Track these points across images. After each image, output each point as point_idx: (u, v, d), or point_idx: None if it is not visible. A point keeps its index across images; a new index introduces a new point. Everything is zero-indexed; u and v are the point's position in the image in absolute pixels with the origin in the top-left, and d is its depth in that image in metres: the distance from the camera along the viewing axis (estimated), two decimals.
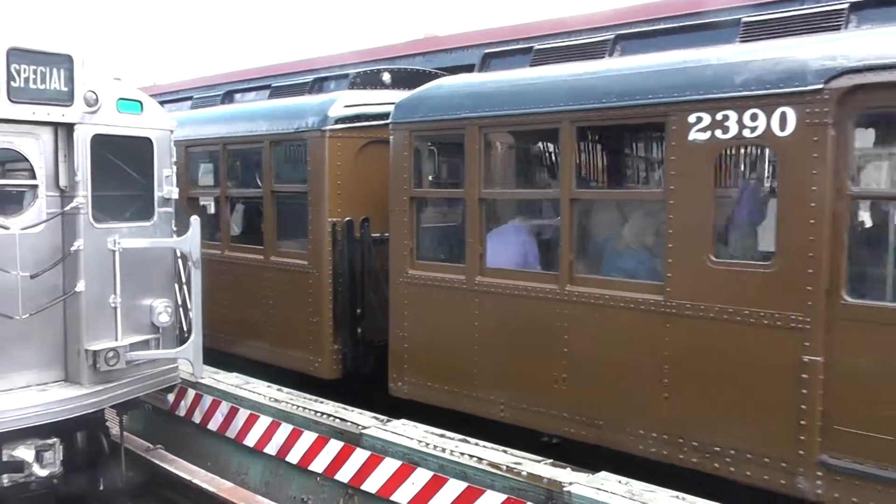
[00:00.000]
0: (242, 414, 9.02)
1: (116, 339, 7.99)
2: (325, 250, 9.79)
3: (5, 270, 7.41)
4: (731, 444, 6.42)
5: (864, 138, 6.41)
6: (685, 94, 6.61)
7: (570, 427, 7.47)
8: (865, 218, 6.57)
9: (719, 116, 6.36)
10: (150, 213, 8.46)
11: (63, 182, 7.83)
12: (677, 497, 6.11)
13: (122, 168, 8.33)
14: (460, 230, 8.58)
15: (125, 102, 8.19)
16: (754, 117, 6.18)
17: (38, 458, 7.43)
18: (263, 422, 8.76)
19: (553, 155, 8.50)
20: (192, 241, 8.23)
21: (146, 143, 8.38)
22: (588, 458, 7.16)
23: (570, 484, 6.29)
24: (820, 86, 5.87)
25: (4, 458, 7.32)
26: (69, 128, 7.76)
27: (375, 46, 13.18)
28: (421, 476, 7.16)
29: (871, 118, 6.26)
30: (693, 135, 6.53)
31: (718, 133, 6.39)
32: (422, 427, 7.88)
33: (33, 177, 7.72)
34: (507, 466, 6.73)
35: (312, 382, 9.93)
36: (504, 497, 6.53)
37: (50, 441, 7.53)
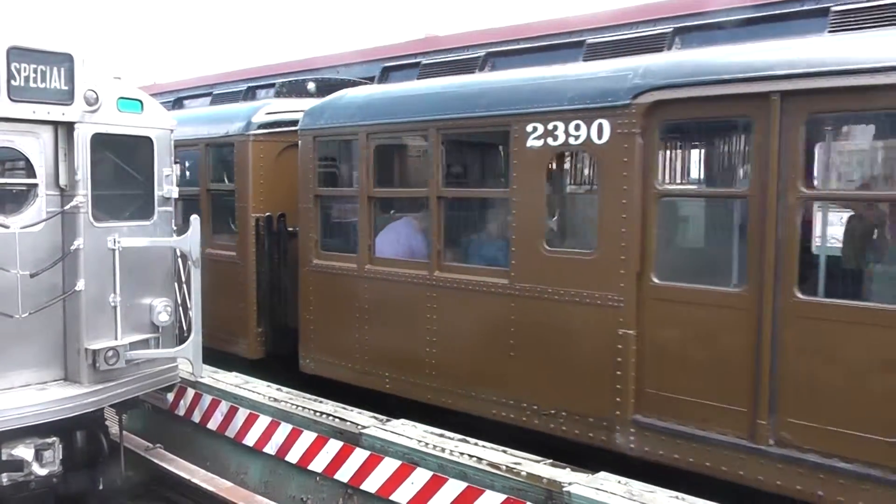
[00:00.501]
0: (242, 413, 9.02)
1: (116, 339, 7.99)
2: (250, 243, 10.92)
3: (5, 269, 7.40)
4: (562, 406, 7.56)
5: (667, 144, 7.79)
6: (524, 107, 7.76)
7: (441, 396, 8.59)
8: (669, 211, 7.64)
9: (550, 126, 7.49)
10: (150, 213, 8.46)
11: (63, 181, 7.83)
12: (676, 497, 6.11)
13: (122, 167, 8.33)
14: (356, 224, 9.55)
15: (125, 101, 8.19)
16: (577, 127, 7.29)
17: (38, 457, 7.44)
18: (263, 421, 8.76)
19: (424, 158, 9.20)
20: (191, 240, 8.22)
21: (146, 142, 8.37)
22: (587, 458, 7.17)
23: (570, 484, 6.30)
24: (628, 101, 6.94)
25: (4, 457, 7.32)
26: (69, 127, 7.76)
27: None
28: (420, 476, 7.16)
29: (670, 128, 7.70)
30: (530, 142, 7.66)
31: (550, 141, 7.53)
32: (421, 427, 7.89)
33: (33, 176, 7.72)
34: (507, 466, 6.73)
35: (240, 362, 10.92)
36: (504, 497, 6.53)
37: (49, 440, 7.54)
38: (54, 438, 7.58)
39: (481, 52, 9.13)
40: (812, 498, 6.07)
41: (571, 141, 7.37)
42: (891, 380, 5.73)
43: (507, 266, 7.98)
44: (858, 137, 8.20)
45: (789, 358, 6.21)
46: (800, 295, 6.20)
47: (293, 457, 8.35)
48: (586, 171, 9.16)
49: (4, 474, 7.35)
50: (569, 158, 9.06)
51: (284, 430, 8.49)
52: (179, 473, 9.10)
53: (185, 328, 9.03)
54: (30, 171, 7.72)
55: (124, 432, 8.91)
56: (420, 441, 7.45)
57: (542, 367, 7.67)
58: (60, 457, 7.64)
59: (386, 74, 10.13)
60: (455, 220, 8.89)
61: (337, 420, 8.18)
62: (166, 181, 8.52)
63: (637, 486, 6.29)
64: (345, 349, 9.62)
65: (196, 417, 9.63)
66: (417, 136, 9.46)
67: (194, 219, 8.28)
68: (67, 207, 7.79)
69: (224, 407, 9.26)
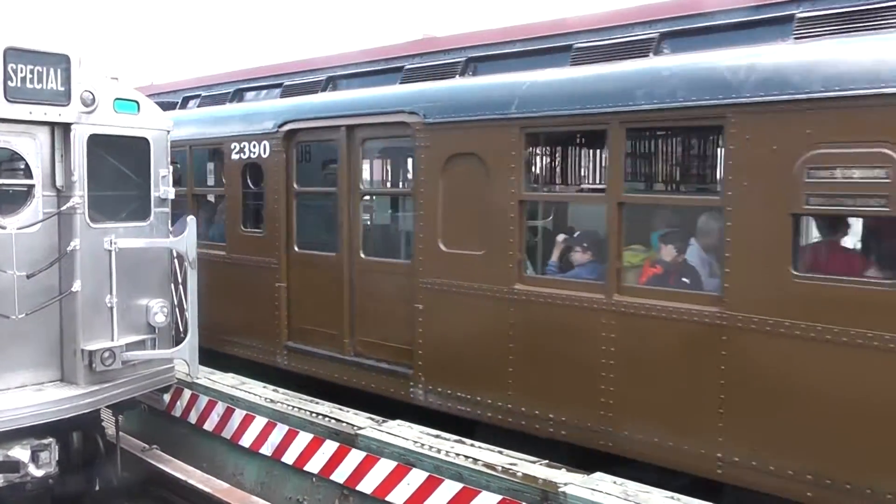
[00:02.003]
0: (238, 414, 9.02)
1: (112, 340, 7.98)
2: None
3: (1, 270, 7.40)
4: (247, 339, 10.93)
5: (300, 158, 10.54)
6: (233, 132, 11.05)
7: (289, 360, 10.37)
8: (301, 205, 10.46)
9: (244, 145, 10.73)
10: (146, 213, 8.46)
11: (59, 182, 7.83)
12: (672, 498, 6.12)
13: (118, 168, 8.35)
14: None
15: (122, 102, 8.20)
16: (254, 146, 10.56)
17: (34, 458, 7.42)
18: (259, 422, 8.76)
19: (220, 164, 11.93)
20: (188, 241, 8.23)
21: (143, 143, 8.38)
22: (584, 459, 7.18)
23: (566, 485, 6.31)
24: (276, 129, 10.27)
25: (0, 459, 7.32)
26: (66, 127, 7.76)
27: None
28: (416, 477, 7.17)
29: (302, 147, 10.53)
30: (233, 155, 10.90)
31: (243, 155, 10.76)
32: (417, 428, 7.90)
33: (30, 176, 7.72)
34: (503, 467, 6.74)
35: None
36: (499, 498, 6.54)
37: (46, 441, 7.52)
38: (51, 439, 7.56)
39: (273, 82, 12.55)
40: (375, 389, 9.23)
41: (253, 155, 10.63)
42: (400, 309, 8.91)
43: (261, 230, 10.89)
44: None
45: (359, 297, 9.51)
46: (362, 255, 9.52)
47: (289, 458, 8.35)
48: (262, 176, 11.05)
49: (0, 475, 7.34)
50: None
51: (281, 430, 8.49)
52: (176, 474, 9.09)
53: (181, 329, 9.03)
54: (26, 171, 7.72)
55: (121, 433, 8.91)
56: (416, 442, 7.45)
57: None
58: (57, 458, 7.62)
59: (240, 94, 12.87)
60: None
61: (333, 421, 8.18)
62: (163, 182, 8.53)
63: (633, 487, 6.30)
64: (224, 328, 10.70)
65: (192, 418, 9.63)
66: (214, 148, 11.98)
67: (191, 219, 8.29)
68: (64, 208, 7.80)
69: (220, 408, 9.26)
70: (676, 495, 6.15)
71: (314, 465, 8.09)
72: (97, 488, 8.45)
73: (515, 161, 7.79)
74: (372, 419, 8.20)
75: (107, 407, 8.36)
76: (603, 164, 9.73)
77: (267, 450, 8.62)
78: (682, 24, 8.94)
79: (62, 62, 7.61)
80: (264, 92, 12.47)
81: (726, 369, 6.34)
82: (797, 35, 6.70)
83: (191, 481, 8.91)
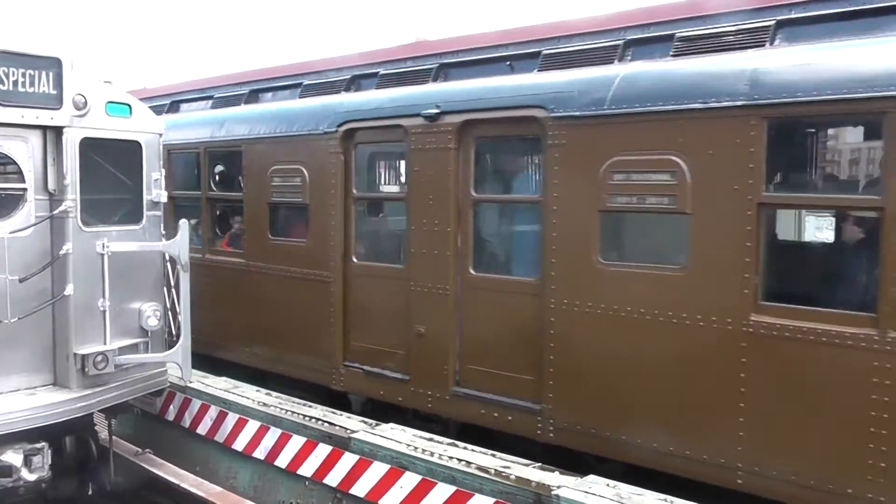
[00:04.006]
0: (231, 418, 9.01)
1: (105, 343, 7.97)
2: None
3: None
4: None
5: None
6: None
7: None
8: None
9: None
10: (138, 217, 8.45)
11: (52, 185, 7.82)
12: (665, 500, 6.13)
13: (110, 171, 8.33)
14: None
15: (114, 106, 8.19)
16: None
17: (27, 462, 7.40)
18: (252, 426, 8.75)
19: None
20: (180, 244, 8.21)
21: (135, 146, 8.38)
22: (578, 462, 7.19)
23: (559, 487, 6.32)
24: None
25: None
26: (58, 131, 7.76)
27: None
28: (409, 480, 7.17)
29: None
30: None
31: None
32: (410, 431, 7.90)
33: (22, 180, 7.71)
34: (496, 470, 6.75)
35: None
36: (492, 501, 6.54)
37: (38, 445, 7.50)
38: (43, 444, 7.54)
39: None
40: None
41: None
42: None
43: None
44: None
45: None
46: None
47: (282, 461, 8.35)
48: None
49: None
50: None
51: (274, 434, 8.48)
52: (169, 478, 9.08)
53: (174, 333, 9.02)
54: (18, 175, 7.71)
55: (113, 437, 8.91)
56: (409, 445, 7.45)
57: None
58: (49, 462, 7.60)
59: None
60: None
61: (326, 425, 8.18)
62: (155, 185, 8.52)
63: (626, 489, 6.32)
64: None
65: (185, 422, 9.62)
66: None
67: (183, 223, 8.27)
68: (56, 212, 7.79)
69: (213, 412, 9.25)
70: (669, 497, 6.16)
71: (307, 469, 8.09)
72: (90, 492, 8.44)
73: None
74: (365, 422, 8.20)
75: (100, 411, 8.33)
76: None
77: (260, 453, 8.61)
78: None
79: (54, 65, 7.61)
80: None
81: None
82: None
83: (184, 485, 8.89)
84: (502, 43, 10.10)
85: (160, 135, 8.65)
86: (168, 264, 8.83)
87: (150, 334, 8.47)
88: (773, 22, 6.97)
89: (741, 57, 6.75)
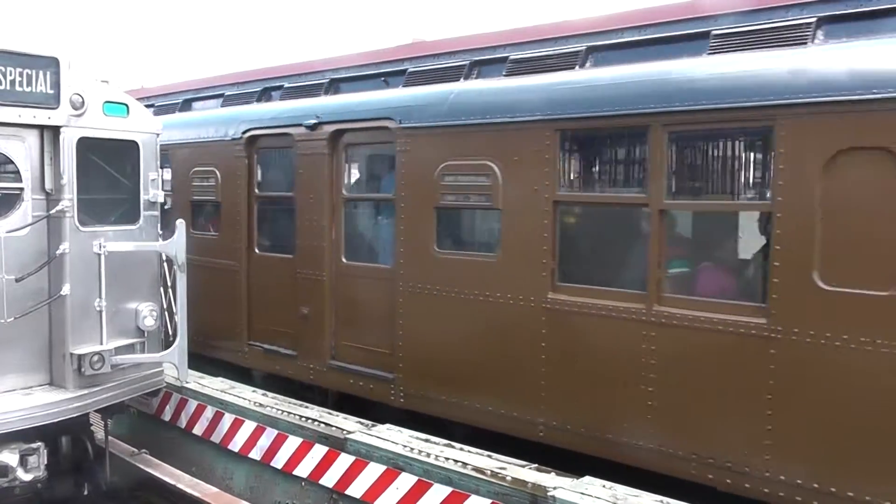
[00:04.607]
0: (227, 418, 9.01)
1: (101, 343, 7.96)
2: None
3: None
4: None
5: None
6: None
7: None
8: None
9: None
10: (135, 217, 8.44)
11: (49, 185, 7.82)
12: (661, 501, 6.15)
13: (107, 171, 8.33)
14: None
15: (111, 105, 8.19)
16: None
17: (23, 462, 7.40)
18: (248, 426, 8.75)
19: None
20: (177, 244, 8.20)
21: (132, 146, 8.37)
22: (574, 463, 7.20)
23: (555, 488, 6.32)
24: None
25: None
26: (55, 131, 7.75)
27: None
28: (405, 481, 7.18)
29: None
30: None
31: None
32: (406, 432, 7.91)
33: (19, 180, 7.70)
34: (492, 471, 6.75)
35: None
36: (489, 502, 6.55)
37: (34, 445, 7.49)
38: (39, 444, 7.54)
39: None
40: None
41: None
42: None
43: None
44: None
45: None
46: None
47: (278, 462, 8.35)
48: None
49: None
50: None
51: (270, 435, 8.48)
52: (165, 479, 9.08)
53: (170, 333, 9.01)
54: (16, 175, 7.70)
55: (110, 437, 8.89)
56: (405, 446, 7.46)
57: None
58: (45, 462, 7.60)
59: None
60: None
61: (322, 425, 8.18)
62: (152, 185, 8.52)
63: (621, 490, 6.33)
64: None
65: (182, 422, 9.62)
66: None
67: (180, 223, 8.26)
68: (53, 212, 7.78)
69: (209, 412, 9.24)
70: (666, 499, 6.17)
71: (303, 470, 8.09)
72: (86, 493, 8.42)
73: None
74: (361, 423, 8.20)
75: (96, 411, 8.33)
76: None
77: (256, 454, 8.61)
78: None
79: (51, 65, 7.61)
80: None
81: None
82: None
83: (179, 486, 8.89)
84: (399, 58, 11.47)
85: (157, 135, 8.64)
86: (165, 264, 8.82)
87: (146, 334, 8.46)
88: (584, 48, 8.07)
89: (543, 78, 8.00)
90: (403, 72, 9.86)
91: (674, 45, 7.56)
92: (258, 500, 8.51)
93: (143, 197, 8.47)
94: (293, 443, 8.23)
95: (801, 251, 6.02)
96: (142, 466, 9.36)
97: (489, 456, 7.15)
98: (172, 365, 8.50)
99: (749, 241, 7.08)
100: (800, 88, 6.07)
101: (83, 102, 7.83)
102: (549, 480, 6.53)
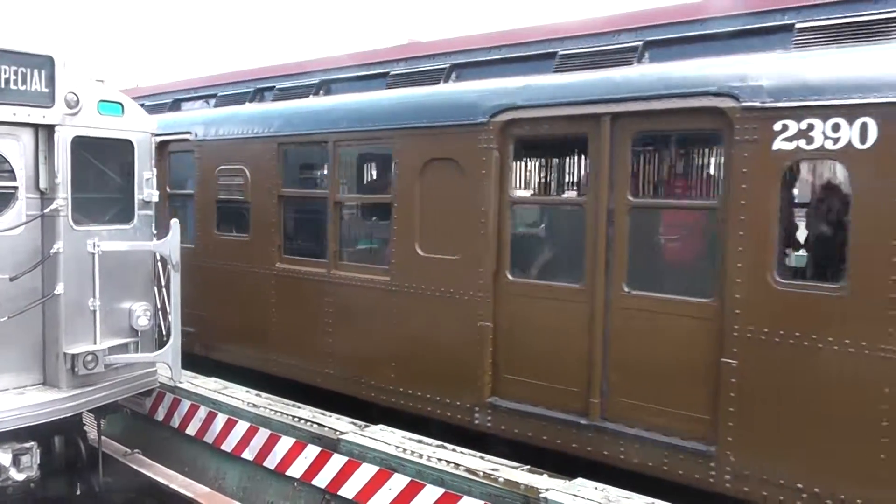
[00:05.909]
0: (220, 419, 9.00)
1: (95, 343, 7.95)
2: None
3: None
4: None
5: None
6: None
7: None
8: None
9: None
10: (130, 216, 8.45)
11: (43, 184, 7.81)
12: (653, 503, 6.15)
13: (102, 170, 8.33)
14: None
15: (106, 104, 8.18)
16: None
17: (15, 462, 7.40)
18: (241, 427, 8.75)
19: None
20: (171, 244, 8.20)
21: (127, 145, 8.37)
22: (567, 465, 7.21)
23: (547, 490, 6.33)
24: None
25: None
26: (50, 129, 7.75)
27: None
28: (398, 482, 7.18)
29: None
30: None
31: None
32: (399, 433, 7.91)
33: (13, 178, 7.70)
34: (485, 472, 6.76)
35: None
36: (481, 503, 6.55)
37: (27, 445, 7.49)
38: (32, 443, 7.54)
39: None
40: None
41: None
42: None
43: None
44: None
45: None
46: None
47: (271, 462, 8.34)
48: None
49: None
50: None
51: (263, 435, 8.48)
52: (158, 479, 9.06)
53: (164, 333, 9.00)
54: (10, 173, 7.69)
55: (103, 437, 8.88)
56: (398, 447, 7.46)
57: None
58: (38, 462, 7.59)
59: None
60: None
61: (315, 426, 8.18)
62: (146, 185, 8.52)
63: (614, 493, 6.34)
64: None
65: (175, 423, 9.60)
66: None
67: (174, 222, 8.25)
68: (47, 210, 7.77)
69: (203, 412, 9.23)
70: (657, 501, 6.18)
71: (296, 470, 8.08)
72: (78, 493, 8.42)
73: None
74: (354, 424, 8.20)
75: (89, 411, 8.32)
76: None
77: (249, 454, 8.60)
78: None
79: (46, 63, 7.61)
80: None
81: None
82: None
83: (172, 486, 8.88)
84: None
85: (152, 134, 8.65)
86: (159, 264, 8.82)
87: (140, 334, 8.47)
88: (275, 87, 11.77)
89: (271, 105, 11.38)
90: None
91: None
92: (251, 501, 8.50)
93: (137, 196, 8.47)
94: (286, 443, 8.23)
95: (409, 228, 8.86)
96: (135, 466, 9.34)
97: (481, 457, 7.16)
98: (166, 365, 8.50)
99: (384, 224, 9.63)
100: (407, 119, 8.96)
101: (78, 101, 7.82)
102: (542, 482, 6.54)
